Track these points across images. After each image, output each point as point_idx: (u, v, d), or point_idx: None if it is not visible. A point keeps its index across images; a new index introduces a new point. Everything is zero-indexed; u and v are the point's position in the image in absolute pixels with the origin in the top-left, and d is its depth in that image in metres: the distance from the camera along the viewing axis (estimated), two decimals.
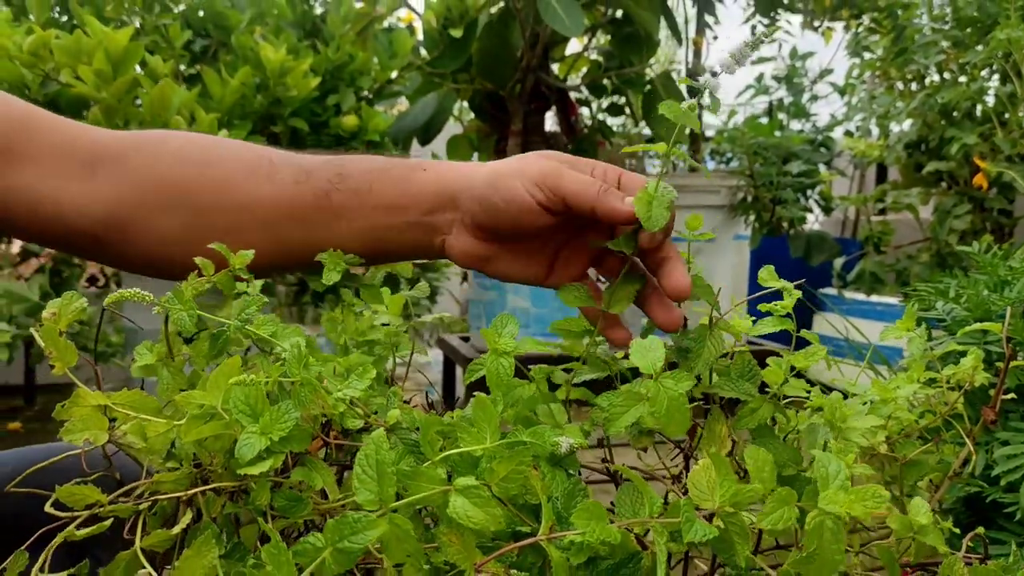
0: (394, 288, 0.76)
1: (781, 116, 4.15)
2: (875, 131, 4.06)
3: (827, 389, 0.64)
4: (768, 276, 0.62)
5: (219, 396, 0.48)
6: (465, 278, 4.36)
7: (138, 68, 1.76)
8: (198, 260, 0.61)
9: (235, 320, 0.55)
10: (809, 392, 0.59)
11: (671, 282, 0.61)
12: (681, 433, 0.51)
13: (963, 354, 0.63)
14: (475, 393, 0.52)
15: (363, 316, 0.70)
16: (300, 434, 0.49)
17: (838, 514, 0.44)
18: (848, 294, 3.31)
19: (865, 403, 0.67)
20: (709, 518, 0.46)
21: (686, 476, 0.62)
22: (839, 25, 2.57)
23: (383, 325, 0.71)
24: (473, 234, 0.66)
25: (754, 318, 0.64)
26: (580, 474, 0.54)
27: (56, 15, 1.95)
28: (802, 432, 0.57)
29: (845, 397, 0.66)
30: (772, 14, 2.25)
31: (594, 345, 0.62)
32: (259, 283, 0.74)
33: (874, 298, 3.22)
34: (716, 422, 0.58)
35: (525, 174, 0.62)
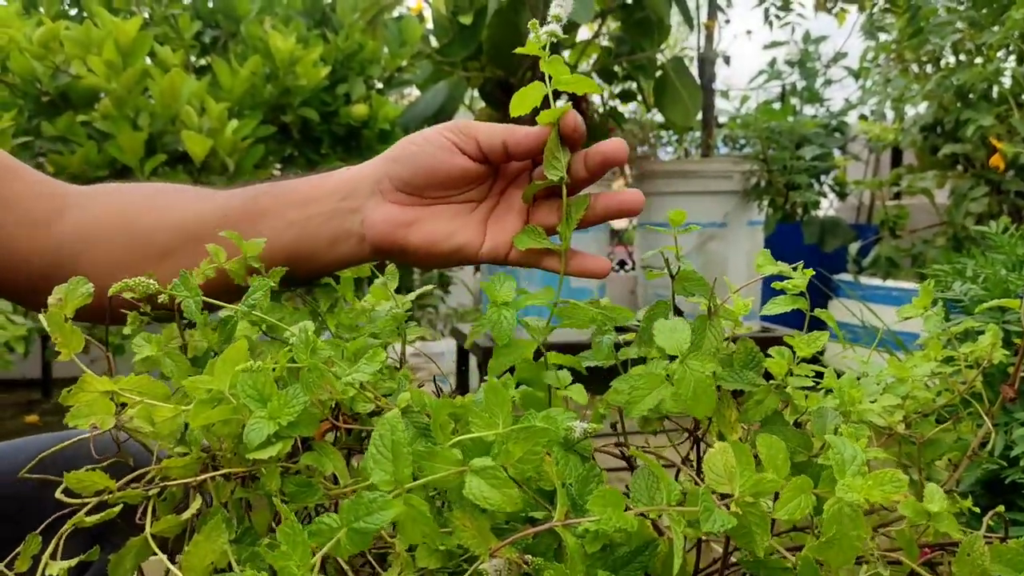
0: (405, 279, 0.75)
1: (794, 101, 4.12)
2: (890, 115, 4.02)
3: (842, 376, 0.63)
4: (764, 261, 0.61)
5: (227, 381, 0.48)
6: (478, 268, 4.36)
7: (148, 59, 1.76)
8: (210, 247, 0.61)
9: (242, 306, 0.54)
10: (818, 378, 0.58)
11: (604, 148, 0.62)
12: (707, 414, 0.50)
13: (981, 332, 0.62)
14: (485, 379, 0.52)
15: (354, 307, 0.69)
16: (309, 418, 0.48)
17: (856, 502, 0.44)
18: (864, 279, 3.29)
19: (880, 383, 0.66)
20: (725, 502, 0.45)
21: (695, 459, 0.61)
22: (853, 7, 2.54)
23: (388, 311, 0.70)
24: (394, 199, 0.66)
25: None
26: (594, 458, 0.54)
27: (66, 7, 1.95)
28: (811, 415, 0.56)
29: (859, 378, 0.65)
30: None
31: (600, 334, 0.62)
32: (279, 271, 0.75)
33: (890, 283, 3.19)
34: (726, 407, 0.57)
35: (439, 126, 0.64)
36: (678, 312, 0.63)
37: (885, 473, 0.46)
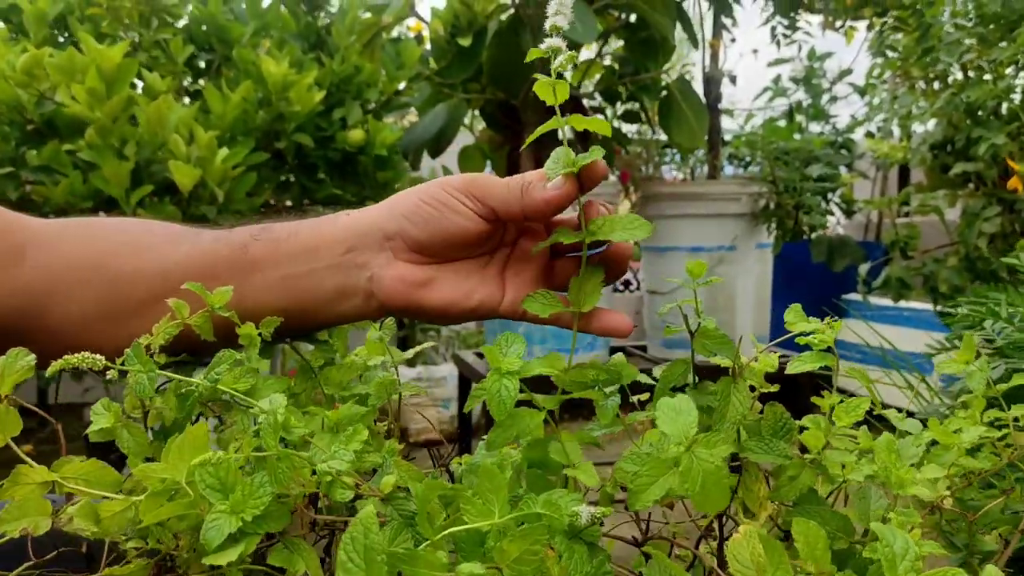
0: None
1: (799, 118, 4.06)
2: (896, 132, 3.96)
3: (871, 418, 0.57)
4: (796, 318, 0.55)
5: (183, 470, 0.42)
6: None
7: (139, 85, 1.71)
8: (172, 302, 0.55)
9: (204, 379, 0.48)
10: (854, 445, 0.51)
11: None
12: (719, 509, 0.44)
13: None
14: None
15: (344, 364, 0.63)
16: (278, 511, 0.42)
17: None
18: (873, 299, 3.22)
19: (919, 445, 0.60)
20: None
21: (716, 536, 0.55)
22: (861, 24, 2.48)
23: (376, 368, 0.64)
24: (406, 259, 0.61)
25: (777, 347, 0.57)
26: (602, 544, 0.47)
27: (56, 32, 1.91)
28: (852, 496, 0.50)
29: (893, 430, 0.59)
30: (792, 14, 2.18)
31: (603, 397, 0.55)
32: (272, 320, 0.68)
33: (901, 303, 3.13)
34: (753, 481, 0.51)
35: (447, 183, 0.59)
36: (697, 374, 0.56)
37: (943, 573, 0.40)
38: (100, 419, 0.50)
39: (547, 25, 0.58)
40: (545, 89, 0.54)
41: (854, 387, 0.62)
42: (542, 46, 0.55)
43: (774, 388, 0.59)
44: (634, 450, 0.47)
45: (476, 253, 0.63)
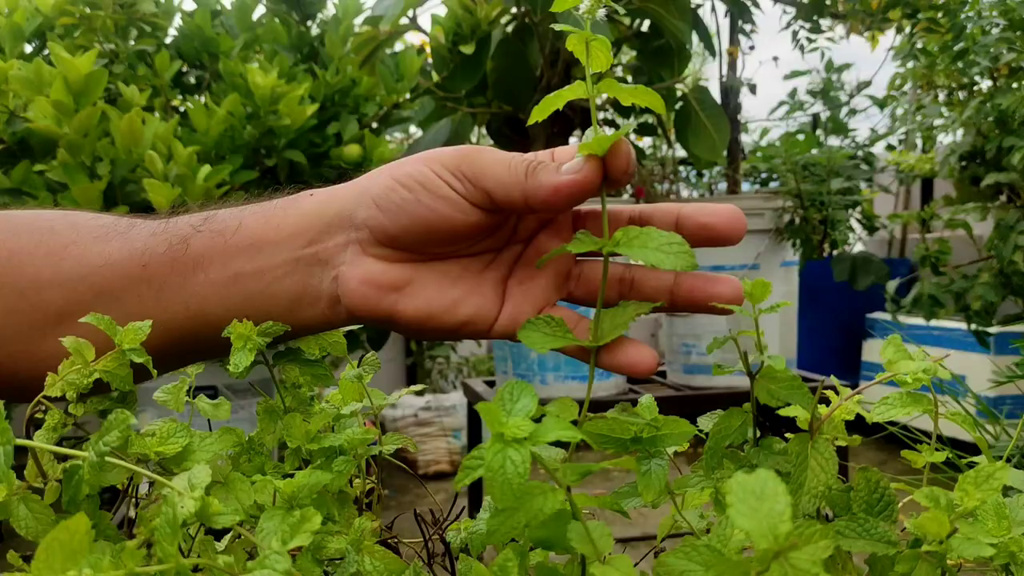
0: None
1: (818, 132, 3.94)
2: (920, 144, 3.83)
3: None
4: (896, 356, 0.41)
5: None
6: None
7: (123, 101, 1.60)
8: (68, 342, 0.42)
9: (92, 451, 0.35)
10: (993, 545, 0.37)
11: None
12: None
13: None
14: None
15: (315, 408, 0.50)
16: None
17: None
18: (902, 318, 3.08)
19: None
20: None
21: None
22: (887, 32, 2.37)
23: (351, 417, 0.51)
24: (376, 254, 0.47)
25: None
26: None
27: (35, 48, 1.80)
28: None
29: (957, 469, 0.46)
30: (815, 17, 2.06)
31: (647, 459, 0.42)
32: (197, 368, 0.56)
33: (932, 322, 2.99)
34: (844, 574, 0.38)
35: (433, 158, 0.45)
36: (764, 424, 0.43)
37: None
38: None
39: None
40: (577, 44, 0.42)
41: (871, 398, 0.48)
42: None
43: (855, 442, 0.46)
44: (690, 542, 0.34)
45: (471, 250, 0.49)
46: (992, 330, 2.75)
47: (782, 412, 0.42)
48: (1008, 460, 0.55)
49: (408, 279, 0.47)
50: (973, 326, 2.68)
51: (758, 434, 0.44)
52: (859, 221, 3.36)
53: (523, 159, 0.45)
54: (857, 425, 0.47)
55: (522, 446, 0.33)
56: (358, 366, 0.58)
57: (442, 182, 0.45)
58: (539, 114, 0.43)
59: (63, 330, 0.46)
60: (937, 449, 0.48)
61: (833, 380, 0.44)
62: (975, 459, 0.48)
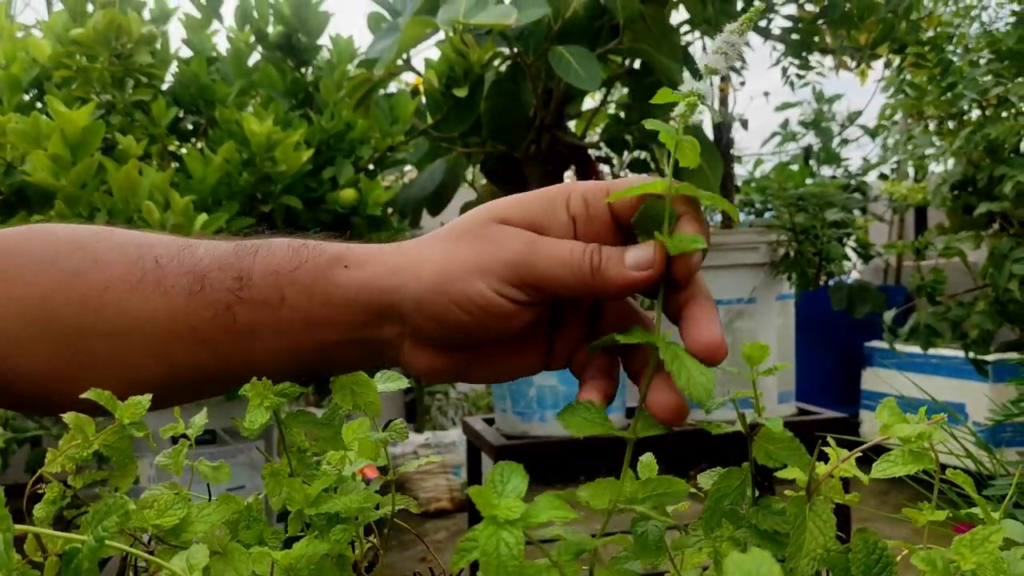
0: None
1: (810, 162, 3.97)
2: (912, 173, 3.86)
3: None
4: (892, 418, 0.41)
5: None
6: None
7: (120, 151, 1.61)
8: (68, 417, 0.42)
9: (90, 536, 0.35)
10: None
11: (697, 334, 0.44)
12: None
13: None
14: None
15: (320, 471, 0.50)
16: None
17: None
18: (899, 347, 3.08)
19: None
20: None
21: None
22: (875, 64, 2.39)
23: (351, 480, 0.51)
24: (432, 348, 0.48)
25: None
26: None
27: (33, 98, 1.82)
28: None
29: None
30: (804, 54, 2.08)
31: (643, 523, 0.42)
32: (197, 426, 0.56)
33: (929, 350, 2.99)
34: None
35: (488, 271, 0.44)
36: (760, 484, 0.44)
37: None
38: None
39: (702, 66, 0.47)
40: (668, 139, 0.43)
41: (871, 428, 0.48)
42: (683, 89, 0.45)
43: (855, 500, 0.46)
44: None
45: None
46: (990, 358, 2.75)
47: (780, 475, 0.43)
48: (1007, 499, 0.55)
49: (468, 361, 0.49)
50: (971, 354, 2.69)
51: (756, 494, 0.44)
52: (854, 250, 3.37)
53: (583, 255, 0.44)
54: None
55: (515, 527, 0.33)
56: (384, 429, 0.58)
57: (504, 300, 0.45)
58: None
59: (111, 366, 0.48)
60: (940, 499, 0.48)
61: (831, 441, 0.44)
62: (974, 511, 0.48)
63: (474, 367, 0.50)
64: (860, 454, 0.45)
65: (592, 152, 2.25)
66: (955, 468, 0.49)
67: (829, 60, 2.42)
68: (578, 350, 0.50)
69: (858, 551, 0.40)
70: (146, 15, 1.75)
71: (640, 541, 0.42)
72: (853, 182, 3.89)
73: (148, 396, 0.44)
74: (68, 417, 0.43)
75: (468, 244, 0.46)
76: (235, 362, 0.49)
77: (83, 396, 0.45)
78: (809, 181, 3.34)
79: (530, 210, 0.47)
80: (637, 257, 0.43)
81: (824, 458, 0.45)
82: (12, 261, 0.50)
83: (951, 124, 2.83)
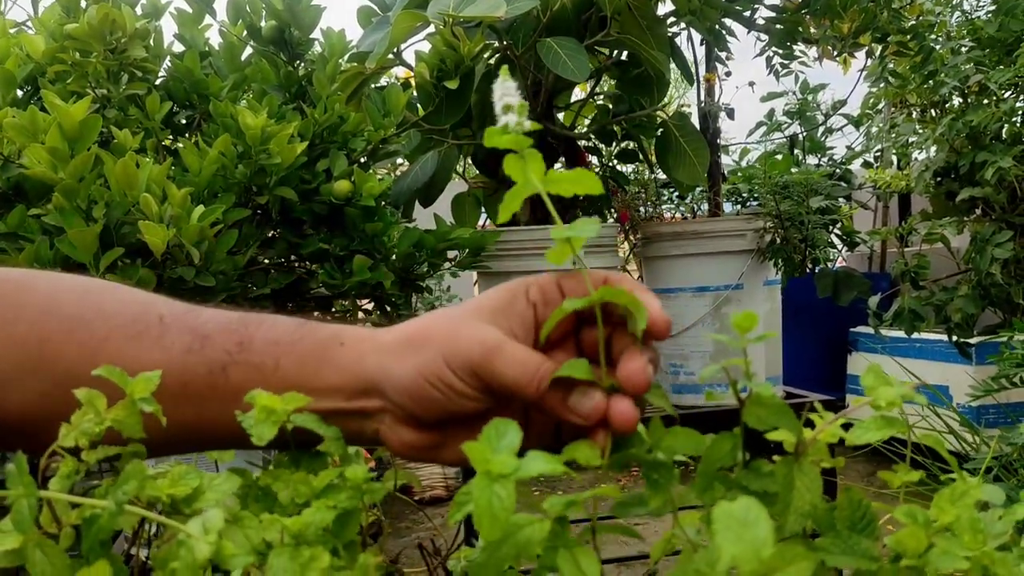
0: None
1: (796, 151, 4.01)
2: (895, 160, 3.90)
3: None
4: (875, 382, 0.45)
5: None
6: None
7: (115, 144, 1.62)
8: (81, 393, 0.45)
9: (111, 500, 0.38)
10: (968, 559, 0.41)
11: (626, 370, 0.49)
12: None
13: None
14: None
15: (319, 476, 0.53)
16: None
17: None
18: (884, 331, 3.13)
19: (1009, 519, 0.50)
20: None
21: None
22: (858, 53, 2.42)
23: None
24: (410, 425, 0.52)
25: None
26: None
27: (27, 94, 1.83)
28: None
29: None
30: (788, 44, 2.11)
31: (654, 468, 0.45)
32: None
33: (914, 335, 3.04)
34: None
35: (457, 358, 0.50)
36: (752, 446, 0.47)
37: None
38: (7, 539, 0.40)
39: (499, 107, 0.50)
40: (514, 166, 0.46)
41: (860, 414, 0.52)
42: (499, 123, 0.48)
43: (840, 463, 0.49)
44: (682, 567, 0.37)
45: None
46: (973, 341, 2.80)
47: (770, 436, 0.46)
48: (988, 471, 0.58)
49: (442, 440, 0.53)
50: (954, 338, 2.73)
51: (747, 457, 0.47)
52: (839, 237, 3.42)
53: (535, 371, 0.49)
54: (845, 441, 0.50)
55: (508, 481, 0.36)
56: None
57: (467, 386, 0.50)
58: (504, 215, 0.48)
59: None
60: (917, 465, 0.51)
61: (818, 406, 0.47)
62: (951, 476, 0.51)
63: (451, 442, 0.53)
64: (844, 420, 0.48)
65: (581, 143, 2.27)
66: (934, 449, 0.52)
67: (813, 50, 2.45)
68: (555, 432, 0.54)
69: (843, 508, 0.43)
70: (138, 11, 1.76)
71: (652, 485, 0.45)
72: (838, 170, 3.93)
73: (158, 372, 0.47)
74: (80, 393, 0.45)
75: (445, 335, 0.51)
76: (220, 423, 0.52)
77: (96, 372, 0.47)
78: (795, 170, 3.38)
79: (510, 306, 0.52)
80: (585, 401, 0.49)
81: (811, 424, 0.48)
82: (14, 301, 0.52)
83: (933, 112, 2.87)
